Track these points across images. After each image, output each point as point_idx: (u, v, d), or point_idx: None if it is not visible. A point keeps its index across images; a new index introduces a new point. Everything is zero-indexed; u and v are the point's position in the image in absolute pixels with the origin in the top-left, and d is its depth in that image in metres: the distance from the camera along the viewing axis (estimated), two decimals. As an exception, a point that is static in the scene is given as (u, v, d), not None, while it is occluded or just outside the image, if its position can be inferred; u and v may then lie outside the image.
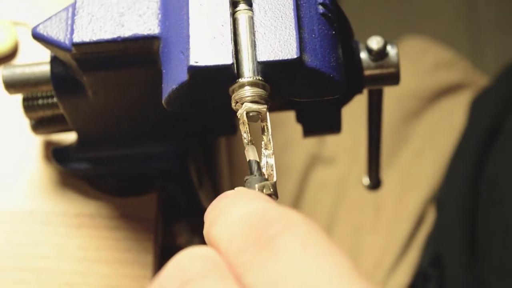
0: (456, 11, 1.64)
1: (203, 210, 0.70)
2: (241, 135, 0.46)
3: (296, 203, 0.96)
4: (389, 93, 0.64)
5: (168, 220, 0.72)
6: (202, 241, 0.38)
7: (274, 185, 0.43)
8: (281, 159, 0.98)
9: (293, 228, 0.34)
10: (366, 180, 0.70)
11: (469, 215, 0.87)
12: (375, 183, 0.70)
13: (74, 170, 0.64)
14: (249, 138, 0.45)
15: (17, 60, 0.70)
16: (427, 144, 1.01)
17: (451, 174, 0.94)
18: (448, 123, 1.02)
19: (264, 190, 0.42)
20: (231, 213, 0.36)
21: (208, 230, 0.37)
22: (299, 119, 0.62)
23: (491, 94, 0.98)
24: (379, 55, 0.57)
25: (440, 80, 1.06)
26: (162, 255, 0.68)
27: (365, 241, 0.94)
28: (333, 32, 0.51)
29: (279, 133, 0.97)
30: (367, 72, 0.58)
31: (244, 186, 0.43)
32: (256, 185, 0.43)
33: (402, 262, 0.91)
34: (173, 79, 0.49)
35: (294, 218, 0.35)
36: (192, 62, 0.47)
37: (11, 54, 0.70)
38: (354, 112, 0.76)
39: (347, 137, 0.73)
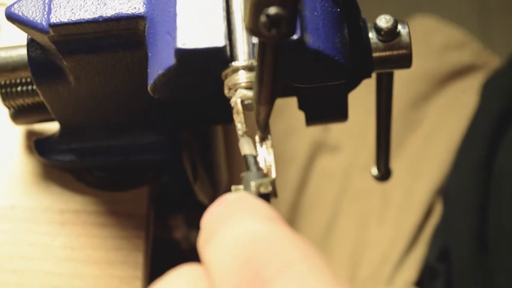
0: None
1: (199, 203, 0.67)
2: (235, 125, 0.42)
3: (299, 193, 0.93)
4: (396, 76, 0.60)
5: (163, 214, 0.68)
6: None
7: (273, 183, 0.39)
8: (284, 146, 0.95)
9: (291, 269, 0.31)
10: (374, 170, 0.66)
11: (478, 207, 0.83)
12: (384, 174, 0.66)
13: (58, 162, 0.60)
14: (244, 129, 0.41)
15: (-3, 43, 0.66)
16: (437, 130, 0.97)
17: (459, 163, 0.91)
18: (459, 106, 0.98)
19: (262, 189, 0.38)
20: (225, 235, 0.33)
21: (202, 247, 0.35)
22: (302, 106, 0.57)
23: (503, 77, 0.95)
24: (389, 35, 0.53)
25: (450, 61, 1.02)
26: (158, 250, 0.65)
27: (371, 233, 0.90)
28: (338, 10, 0.46)
29: (280, 119, 0.94)
30: (376, 54, 0.53)
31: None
32: (253, 183, 0.38)
33: (409, 256, 0.88)
34: (160, 63, 0.44)
35: (294, 254, 0.32)
36: (180, 45, 0.42)
37: (-10, 37, 0.65)
38: (360, 95, 0.71)
39: (352, 123, 0.69)
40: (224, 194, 0.38)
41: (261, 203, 0.36)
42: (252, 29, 0.35)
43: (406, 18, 1.12)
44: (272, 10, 0.34)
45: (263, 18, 0.34)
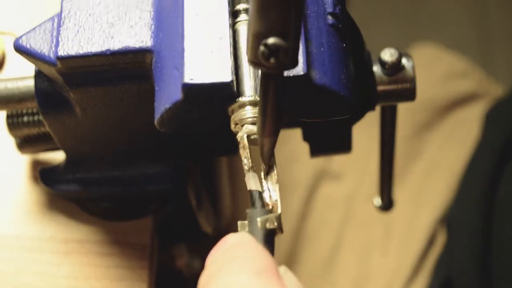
0: (467, 19, 1.60)
1: (203, 232, 0.66)
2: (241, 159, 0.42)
3: (302, 221, 0.92)
4: (399, 104, 0.60)
5: (166, 242, 0.68)
6: (202, 264, 0.37)
7: (278, 218, 0.39)
8: (287, 174, 0.94)
9: None
10: (377, 201, 0.66)
11: (482, 237, 0.83)
12: (387, 204, 0.66)
13: (63, 192, 0.60)
14: (250, 164, 0.41)
15: (4, 73, 0.66)
16: (439, 159, 0.97)
17: (462, 192, 0.90)
18: (461, 135, 0.98)
19: (268, 225, 0.38)
20: (227, 283, 0.35)
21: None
22: (306, 138, 0.57)
23: (506, 107, 0.94)
24: (393, 68, 0.53)
25: (453, 90, 1.02)
26: (161, 278, 0.64)
27: (374, 263, 0.90)
28: (344, 45, 0.46)
29: (284, 146, 0.94)
30: (380, 88, 0.53)
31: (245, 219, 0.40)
32: (259, 220, 0.38)
33: (412, 287, 0.87)
34: (166, 97, 0.44)
35: None
36: (187, 79, 0.42)
37: (-2, 67, 0.65)
38: (364, 125, 0.71)
39: (356, 151, 0.69)
40: (227, 228, 0.39)
41: (254, 251, 0.36)
42: (253, 60, 0.36)
43: (409, 45, 1.13)
44: (271, 40, 0.35)
45: (261, 48, 0.35)
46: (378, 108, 0.58)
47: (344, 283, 0.89)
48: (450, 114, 1.01)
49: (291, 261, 0.89)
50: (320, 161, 0.96)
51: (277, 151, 0.42)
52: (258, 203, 0.40)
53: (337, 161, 0.97)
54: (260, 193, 0.40)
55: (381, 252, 0.90)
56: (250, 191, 0.40)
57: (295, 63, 0.37)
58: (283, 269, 0.37)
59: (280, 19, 0.35)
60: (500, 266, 0.80)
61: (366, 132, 0.80)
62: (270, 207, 0.40)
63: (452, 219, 0.89)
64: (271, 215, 0.39)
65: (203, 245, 0.41)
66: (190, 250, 0.74)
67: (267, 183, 0.41)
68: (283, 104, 0.40)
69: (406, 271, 0.88)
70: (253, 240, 0.37)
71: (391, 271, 0.88)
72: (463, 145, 0.96)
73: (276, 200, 0.40)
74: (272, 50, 0.35)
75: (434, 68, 1.04)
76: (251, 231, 0.39)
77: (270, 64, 0.35)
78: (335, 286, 0.89)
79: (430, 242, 0.90)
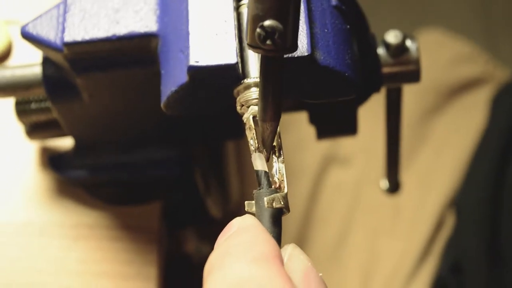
0: (471, 4, 1.59)
1: (211, 217, 0.67)
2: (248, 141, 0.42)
3: (310, 206, 0.93)
4: (406, 89, 0.61)
5: (175, 227, 0.69)
6: (211, 249, 0.37)
7: (285, 197, 0.39)
8: (294, 160, 0.94)
9: None
10: (384, 183, 0.66)
11: (490, 220, 0.83)
12: (393, 187, 0.66)
13: (72, 178, 0.60)
14: (256, 145, 0.41)
15: (11, 61, 0.66)
16: (446, 142, 0.97)
17: (471, 176, 0.90)
18: (468, 119, 0.98)
19: (274, 204, 0.39)
20: (216, 279, 0.35)
21: (205, 277, 0.36)
22: (312, 120, 0.58)
23: (512, 91, 0.94)
24: (398, 50, 0.53)
25: (459, 74, 1.02)
26: (170, 263, 0.65)
27: (383, 246, 0.90)
28: (348, 26, 0.47)
29: (291, 132, 0.94)
30: (385, 69, 0.53)
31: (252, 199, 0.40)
32: (265, 199, 0.39)
33: (421, 269, 0.87)
34: (172, 80, 0.45)
35: None
36: (192, 62, 0.43)
37: (5, 55, 0.66)
38: (370, 108, 0.72)
39: (363, 136, 0.69)
40: (236, 212, 0.39)
41: (257, 237, 0.36)
42: (251, 43, 0.36)
43: (414, 30, 1.13)
44: (267, 22, 0.35)
45: (258, 30, 0.35)
46: (383, 93, 0.58)
47: (354, 266, 0.89)
48: (457, 98, 1.01)
49: (300, 245, 0.89)
50: (328, 147, 0.96)
51: (285, 137, 0.42)
52: (264, 182, 0.40)
53: (345, 146, 0.97)
54: (266, 173, 0.40)
55: (389, 235, 0.91)
56: (256, 171, 0.40)
57: (294, 46, 0.37)
58: (291, 247, 0.37)
59: (277, 2, 0.35)
60: (508, 247, 0.81)
61: (373, 117, 0.81)
62: (277, 185, 0.40)
63: (460, 203, 0.89)
64: (278, 194, 0.39)
65: (212, 230, 0.41)
66: (199, 235, 0.74)
67: (273, 162, 0.41)
68: (285, 87, 0.40)
69: (415, 254, 0.88)
70: (257, 224, 0.38)
71: (400, 253, 0.89)
72: (470, 129, 0.97)
73: (282, 179, 0.40)
74: (268, 33, 0.35)
75: (440, 53, 1.04)
76: (258, 211, 0.39)
77: (267, 46, 0.36)
78: (344, 269, 0.89)
79: (439, 225, 0.90)
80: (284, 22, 0.35)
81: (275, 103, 0.40)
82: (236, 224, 0.38)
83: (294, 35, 0.37)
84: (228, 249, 0.36)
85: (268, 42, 0.36)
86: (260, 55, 0.41)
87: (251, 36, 0.36)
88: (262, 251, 0.36)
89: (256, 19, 0.35)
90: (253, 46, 0.36)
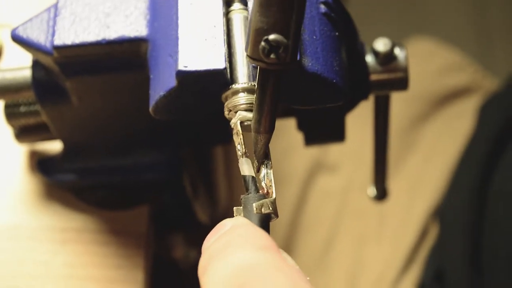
0: (464, 13, 1.60)
1: (199, 222, 0.67)
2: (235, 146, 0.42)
3: (297, 212, 0.93)
4: (394, 96, 0.61)
5: (163, 232, 0.69)
6: (199, 256, 0.37)
7: (273, 203, 0.40)
8: (282, 166, 0.95)
9: None
10: (371, 191, 0.66)
11: (473, 228, 0.83)
12: (381, 194, 0.66)
13: (60, 181, 0.60)
14: (243, 150, 0.42)
15: (2, 64, 0.66)
16: (434, 151, 0.97)
17: (455, 184, 0.91)
18: (456, 128, 0.99)
19: (263, 209, 0.39)
20: (218, 268, 0.35)
21: (200, 276, 0.36)
22: (300, 127, 0.58)
23: (500, 100, 0.95)
24: (386, 58, 0.53)
25: (448, 83, 1.02)
26: (158, 269, 0.65)
27: (368, 253, 0.90)
28: (336, 34, 0.47)
29: (279, 138, 0.94)
30: (373, 77, 0.54)
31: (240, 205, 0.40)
32: (254, 205, 0.39)
33: (405, 276, 0.88)
34: (161, 85, 0.45)
35: (283, 282, 0.33)
36: (181, 67, 0.43)
37: (-5, 58, 0.66)
38: (358, 116, 0.72)
39: (351, 143, 0.69)
40: (223, 217, 0.39)
41: (254, 231, 0.37)
42: (253, 56, 0.36)
43: (405, 39, 1.13)
44: (272, 36, 0.35)
45: (262, 44, 0.35)
46: (372, 100, 0.58)
47: (339, 272, 0.89)
48: (445, 107, 1.01)
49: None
50: (316, 153, 0.97)
51: (273, 143, 0.42)
52: (252, 188, 0.40)
53: (333, 153, 0.97)
54: (254, 178, 0.40)
55: (375, 241, 0.91)
56: (244, 177, 0.41)
57: (294, 60, 0.37)
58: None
59: (282, 16, 0.35)
60: (490, 256, 0.81)
61: (361, 124, 0.81)
62: (265, 191, 0.41)
63: (444, 211, 0.89)
64: (266, 200, 0.39)
65: (200, 236, 0.41)
66: (187, 240, 0.74)
67: (261, 168, 0.41)
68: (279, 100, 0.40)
69: (400, 261, 0.88)
70: (250, 223, 0.38)
71: (385, 260, 0.89)
72: (457, 138, 0.97)
73: (270, 185, 0.41)
74: (273, 46, 0.36)
75: (430, 62, 1.05)
76: (247, 216, 0.39)
77: (270, 60, 0.36)
78: (331, 274, 0.89)
79: (424, 232, 0.91)
80: (289, 36, 0.36)
81: (271, 116, 0.40)
82: (229, 223, 0.38)
83: (296, 49, 0.37)
84: (229, 241, 0.36)
85: (272, 56, 0.36)
86: (247, 60, 0.41)
87: (253, 49, 0.36)
88: (264, 242, 0.36)
89: (260, 33, 0.36)
90: (255, 59, 0.37)
